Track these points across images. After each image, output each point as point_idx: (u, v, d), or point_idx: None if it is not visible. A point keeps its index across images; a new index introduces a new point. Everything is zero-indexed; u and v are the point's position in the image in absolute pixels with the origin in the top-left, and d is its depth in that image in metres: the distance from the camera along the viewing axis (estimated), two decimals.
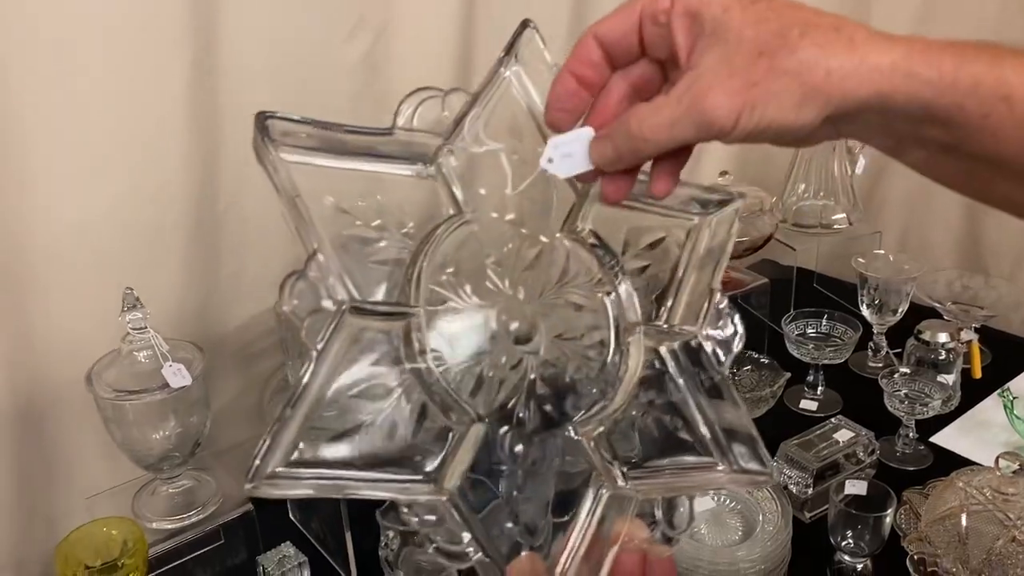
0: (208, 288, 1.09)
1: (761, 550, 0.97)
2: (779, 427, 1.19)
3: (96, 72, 0.94)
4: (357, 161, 0.49)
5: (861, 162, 1.49)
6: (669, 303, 0.58)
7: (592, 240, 0.56)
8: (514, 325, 0.53)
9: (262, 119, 0.45)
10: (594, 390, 0.55)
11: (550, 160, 0.48)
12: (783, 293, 1.48)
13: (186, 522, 0.96)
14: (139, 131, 0.98)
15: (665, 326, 0.57)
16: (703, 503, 1.06)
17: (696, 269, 0.59)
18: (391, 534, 0.90)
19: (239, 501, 0.98)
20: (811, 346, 1.29)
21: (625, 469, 0.54)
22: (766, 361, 1.26)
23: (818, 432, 1.14)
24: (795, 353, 1.30)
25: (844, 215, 1.48)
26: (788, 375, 1.22)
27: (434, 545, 0.47)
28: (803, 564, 1.03)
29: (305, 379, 0.44)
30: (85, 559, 0.79)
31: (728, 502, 1.06)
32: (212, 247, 1.08)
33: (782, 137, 0.43)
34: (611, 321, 0.56)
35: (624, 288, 0.57)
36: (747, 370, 1.25)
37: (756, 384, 1.23)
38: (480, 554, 0.47)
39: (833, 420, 1.16)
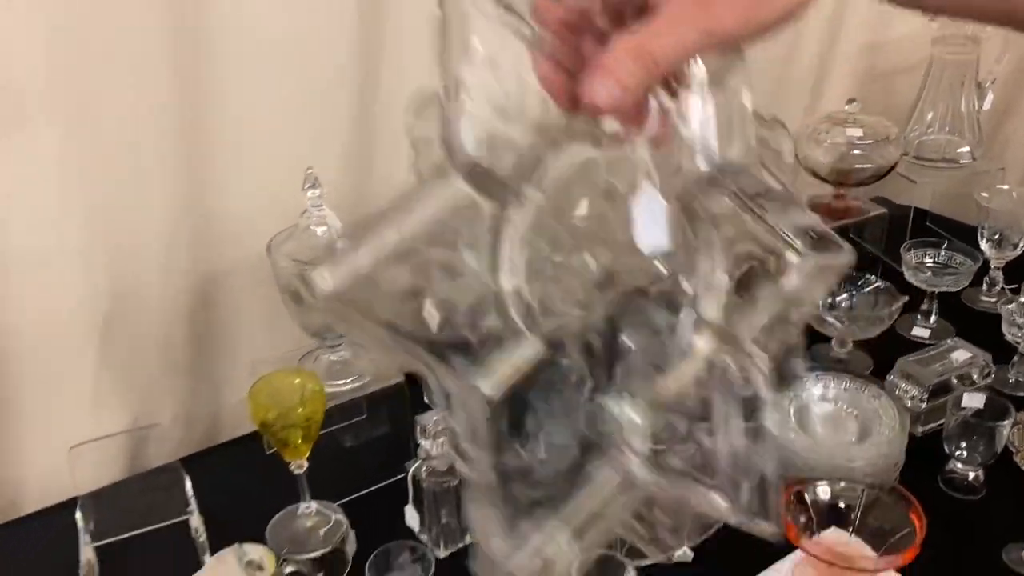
0: (367, 174, 1.17)
1: (876, 450, 1.02)
2: (892, 350, 1.23)
3: None
4: None
5: (989, 97, 1.48)
6: (743, 323, 0.54)
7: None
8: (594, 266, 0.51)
9: None
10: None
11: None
12: (898, 231, 1.49)
13: (344, 387, 1.05)
14: (312, 22, 1.06)
15: (738, 337, 0.53)
16: (821, 407, 1.11)
17: (783, 302, 0.54)
18: None
19: (391, 374, 1.07)
20: (929, 273, 1.32)
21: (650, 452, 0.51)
22: (883, 286, 1.29)
23: (934, 352, 1.18)
24: (912, 280, 1.32)
25: (968, 149, 1.48)
26: (906, 298, 1.25)
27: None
28: (914, 472, 1.07)
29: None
30: (271, 404, 0.89)
31: (845, 407, 1.11)
32: (371, 134, 1.16)
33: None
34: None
35: (719, 279, 0.53)
36: (865, 292, 1.28)
37: (874, 305, 1.26)
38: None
39: (950, 341, 1.20)
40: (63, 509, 1.01)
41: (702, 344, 0.52)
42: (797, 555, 0.93)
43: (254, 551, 0.81)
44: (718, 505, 0.53)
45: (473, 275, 0.49)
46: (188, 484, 0.99)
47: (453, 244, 0.50)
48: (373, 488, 1.07)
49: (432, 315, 0.49)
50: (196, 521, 0.97)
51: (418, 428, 0.94)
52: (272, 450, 1.09)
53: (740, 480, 0.53)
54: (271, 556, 0.81)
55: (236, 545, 0.82)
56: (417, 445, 0.96)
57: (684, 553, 0.95)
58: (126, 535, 0.96)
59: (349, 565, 0.96)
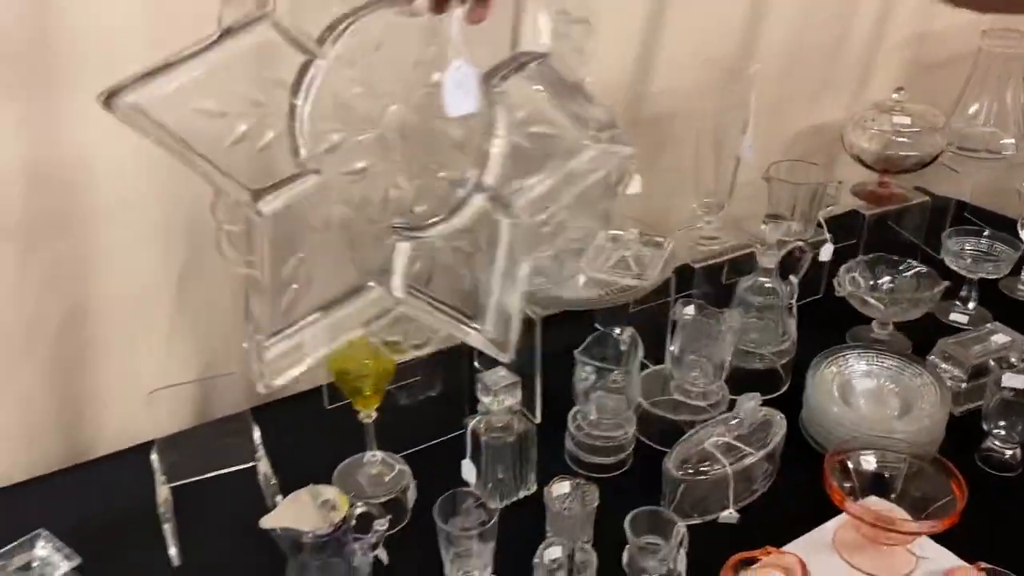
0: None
1: (918, 425, 1.06)
2: (931, 333, 1.26)
3: None
4: None
5: None
6: (524, 187, 0.65)
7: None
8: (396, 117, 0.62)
9: None
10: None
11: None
12: (937, 221, 1.51)
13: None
14: None
15: (509, 199, 0.64)
16: (864, 383, 1.15)
17: (566, 181, 0.65)
18: (589, 369, 1.02)
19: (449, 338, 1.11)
20: (969, 260, 1.35)
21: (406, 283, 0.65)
22: (925, 270, 1.32)
23: (974, 335, 1.21)
24: (952, 266, 1.35)
25: (1012, 141, 1.50)
26: (947, 283, 1.28)
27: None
28: (953, 449, 1.10)
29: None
30: (347, 354, 0.92)
31: (888, 383, 1.14)
32: None
33: None
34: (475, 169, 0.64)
35: (499, 150, 0.64)
36: (907, 276, 1.31)
37: (916, 288, 1.29)
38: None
39: (990, 325, 1.23)
40: (137, 451, 1.06)
41: (477, 201, 0.63)
42: (840, 519, 0.97)
43: (327, 492, 0.86)
44: (466, 332, 0.68)
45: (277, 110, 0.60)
46: (257, 432, 1.04)
47: (261, 81, 0.61)
48: (429, 443, 1.12)
49: (237, 130, 0.61)
50: (264, 467, 1.03)
51: (479, 385, 0.99)
52: (333, 405, 1.14)
53: (489, 313, 0.66)
54: (344, 497, 0.86)
55: (310, 485, 0.87)
56: (476, 401, 1.00)
57: (730, 515, 0.99)
58: (198, 478, 1.01)
59: (409, 514, 1.01)
